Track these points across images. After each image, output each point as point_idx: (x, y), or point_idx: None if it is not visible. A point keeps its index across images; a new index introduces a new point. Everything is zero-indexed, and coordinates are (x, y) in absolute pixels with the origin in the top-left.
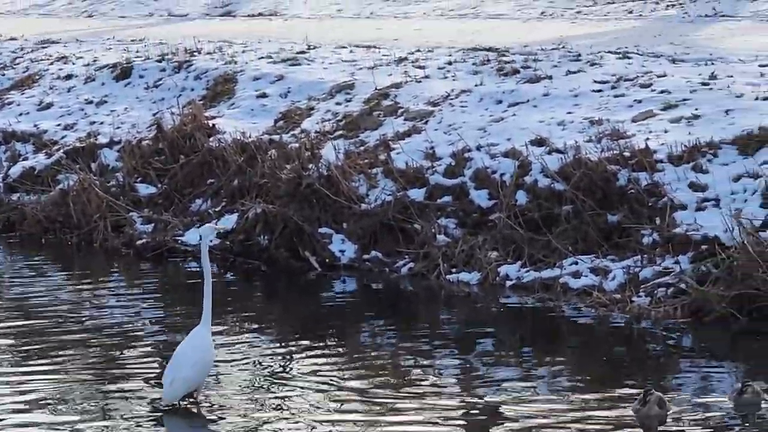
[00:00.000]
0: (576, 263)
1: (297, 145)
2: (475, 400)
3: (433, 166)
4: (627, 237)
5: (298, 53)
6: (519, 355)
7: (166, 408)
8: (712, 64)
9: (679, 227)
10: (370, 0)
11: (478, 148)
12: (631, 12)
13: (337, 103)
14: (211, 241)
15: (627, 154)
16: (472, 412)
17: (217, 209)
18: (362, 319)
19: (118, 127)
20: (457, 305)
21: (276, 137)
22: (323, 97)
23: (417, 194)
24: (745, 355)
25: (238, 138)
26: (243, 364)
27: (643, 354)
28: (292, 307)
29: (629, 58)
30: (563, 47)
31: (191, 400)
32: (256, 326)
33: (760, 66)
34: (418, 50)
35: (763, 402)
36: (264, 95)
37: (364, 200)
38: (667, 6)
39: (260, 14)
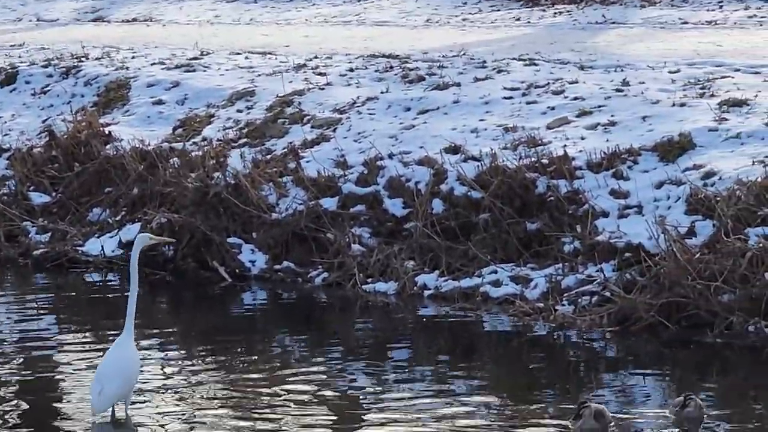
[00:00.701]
0: (495, 272)
1: (200, 153)
2: (386, 415)
3: (345, 174)
4: (548, 245)
5: (191, 59)
6: (435, 366)
7: (96, 420)
8: (622, 70)
9: (601, 235)
10: (248, 6)
11: (391, 155)
12: (518, 19)
13: (238, 111)
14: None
15: (545, 161)
16: (382, 426)
17: (116, 218)
18: (273, 330)
19: (6, 134)
20: (373, 316)
21: (178, 145)
22: (223, 104)
23: (329, 203)
24: (675, 365)
25: (137, 146)
26: (148, 377)
27: (566, 364)
28: (200, 318)
29: (536, 65)
30: (464, 54)
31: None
32: (162, 339)
33: (670, 72)
34: (316, 57)
35: (704, 416)
36: (160, 102)
37: (275, 209)
38: (555, 14)
39: (135, 19)
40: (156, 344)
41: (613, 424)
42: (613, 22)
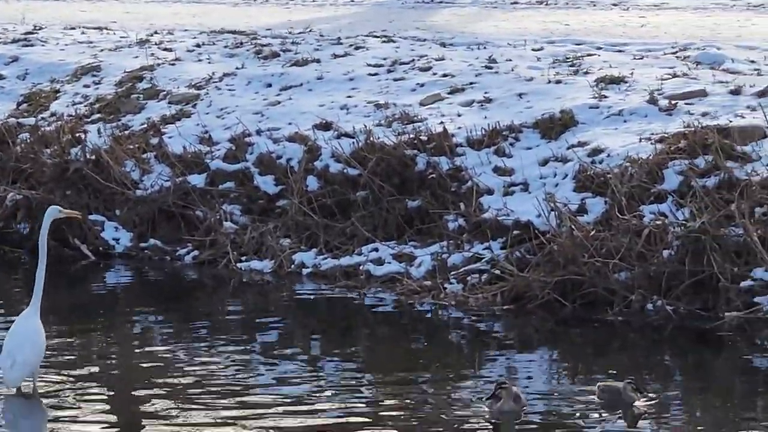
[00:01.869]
0: (377, 250)
1: (52, 128)
2: (250, 398)
3: (212, 150)
4: (430, 223)
5: (26, 34)
6: (308, 346)
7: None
8: (484, 48)
9: (487, 212)
10: None
11: (259, 132)
12: None
13: (85, 86)
14: None
15: (424, 138)
16: (245, 411)
17: None
18: (138, 308)
19: None
20: (247, 294)
21: (26, 120)
22: (68, 80)
23: (197, 180)
24: (570, 344)
25: None
26: None
27: (451, 344)
28: (59, 296)
29: (394, 41)
30: (310, 31)
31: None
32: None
33: (534, 50)
34: (156, 32)
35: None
36: (0, 77)
37: (138, 186)
38: None
39: None
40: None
41: (526, 408)
42: (441, 1)
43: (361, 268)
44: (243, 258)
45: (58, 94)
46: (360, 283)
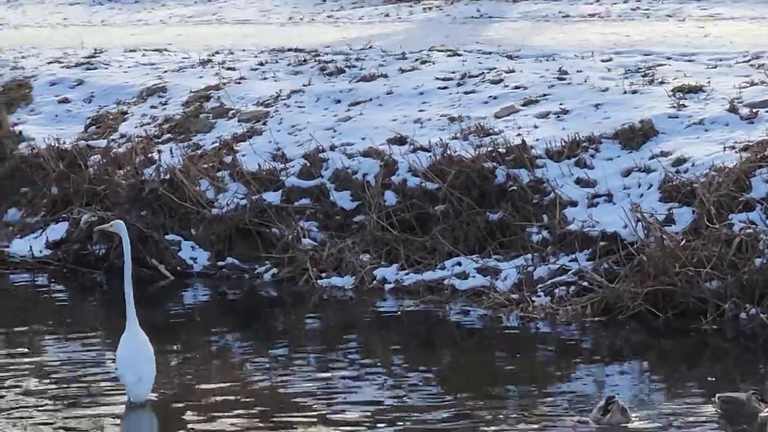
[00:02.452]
0: (460, 264)
1: (123, 149)
2: (333, 416)
3: (286, 167)
4: (512, 235)
5: (87, 57)
6: (391, 360)
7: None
8: (553, 59)
9: (572, 224)
10: (94, 8)
11: (333, 148)
12: (387, 15)
13: (152, 107)
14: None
15: (502, 150)
16: (328, 428)
17: (35, 218)
18: (218, 327)
19: None
20: (328, 310)
21: (95, 143)
22: (134, 101)
23: (273, 197)
24: (661, 354)
25: (53, 144)
26: (94, 379)
27: (540, 356)
28: (139, 317)
29: (459, 55)
30: (370, 47)
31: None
32: (101, 340)
33: (603, 61)
34: (217, 52)
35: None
36: (66, 100)
37: (214, 205)
38: (425, 9)
39: None
40: (96, 344)
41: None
42: (490, 17)
43: (444, 282)
44: (323, 274)
45: (125, 116)
46: (445, 298)
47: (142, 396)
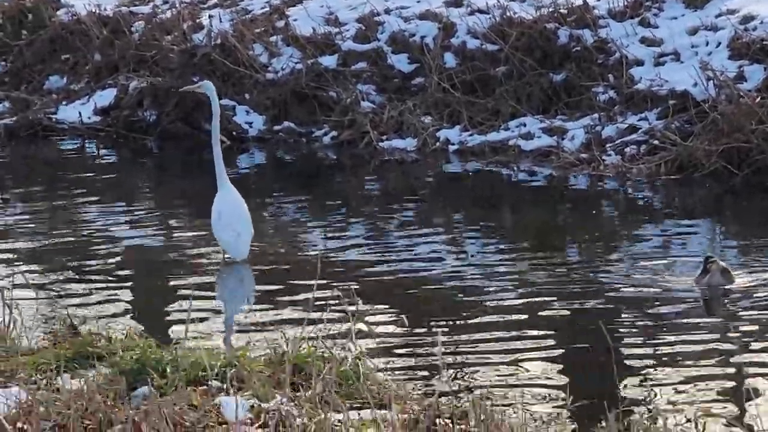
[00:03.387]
0: (524, 125)
1: (168, 15)
2: (386, 277)
3: (341, 31)
4: (578, 96)
5: None
6: (455, 221)
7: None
8: None
9: (639, 83)
10: None
11: (387, 11)
12: None
13: None
14: None
15: (564, 11)
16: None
17: (79, 85)
18: (277, 190)
19: None
20: (391, 172)
21: (138, 9)
22: None
23: (329, 61)
24: (736, 212)
25: (94, 11)
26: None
27: (610, 214)
28: (196, 182)
29: None
30: None
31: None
32: (158, 204)
33: None
34: None
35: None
36: None
37: (268, 69)
38: None
39: None
40: (154, 208)
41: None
42: None
43: (510, 143)
44: (383, 137)
45: None
46: (513, 158)
47: (242, 252)
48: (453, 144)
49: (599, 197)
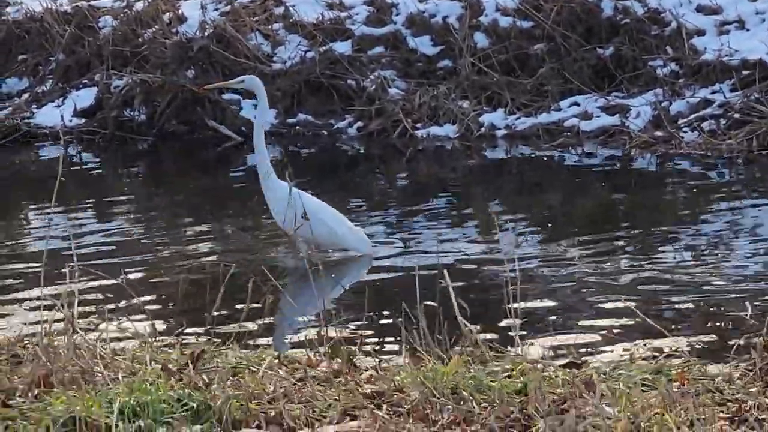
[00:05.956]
0: (578, 104)
1: (138, 8)
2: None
3: (350, 15)
4: (634, 71)
5: None
6: (516, 204)
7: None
8: None
9: (705, 54)
10: None
11: None
12: None
13: None
14: None
15: None
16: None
17: (45, 87)
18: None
19: None
20: (430, 162)
21: (104, 2)
22: None
23: (343, 47)
24: None
25: (49, 6)
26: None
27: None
28: (201, 182)
29: None
30: None
31: None
32: (167, 202)
33: None
34: None
35: None
36: None
37: (273, 60)
38: None
39: None
40: (163, 205)
41: None
42: None
43: (564, 124)
44: (417, 125)
45: None
46: (575, 140)
47: (366, 246)
48: (499, 128)
49: (674, 178)
